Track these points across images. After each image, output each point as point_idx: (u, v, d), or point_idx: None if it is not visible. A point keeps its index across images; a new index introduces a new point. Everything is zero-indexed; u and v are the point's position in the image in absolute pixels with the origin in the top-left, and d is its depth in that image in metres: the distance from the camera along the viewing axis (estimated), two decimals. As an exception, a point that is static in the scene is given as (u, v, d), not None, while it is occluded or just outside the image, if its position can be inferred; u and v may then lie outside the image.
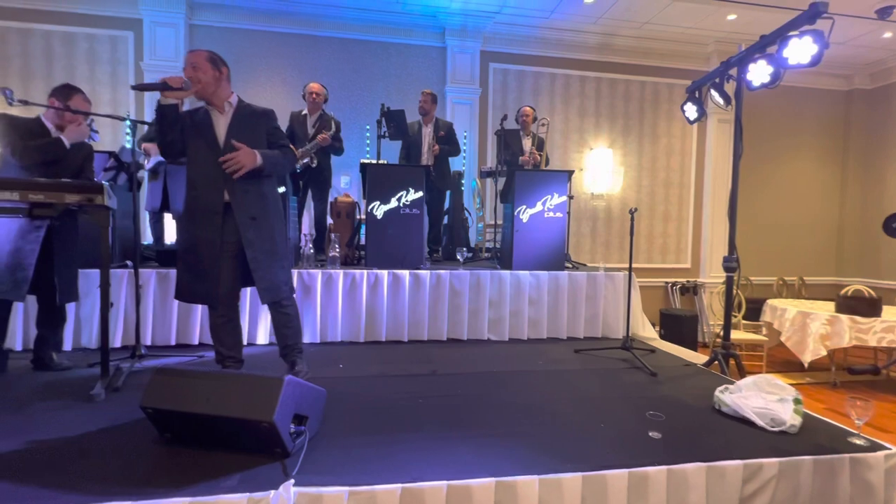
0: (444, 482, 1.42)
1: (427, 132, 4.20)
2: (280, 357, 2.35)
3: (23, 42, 4.59)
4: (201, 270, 2.10)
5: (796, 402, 1.94)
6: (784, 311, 4.25)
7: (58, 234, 2.33)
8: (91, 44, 4.70)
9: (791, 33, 2.32)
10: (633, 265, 3.22)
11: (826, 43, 2.20)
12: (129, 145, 3.97)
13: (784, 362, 4.83)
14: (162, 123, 2.01)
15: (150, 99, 4.70)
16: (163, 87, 1.93)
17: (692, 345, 4.71)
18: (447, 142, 4.22)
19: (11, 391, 2.18)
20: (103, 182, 2.13)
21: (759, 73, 2.57)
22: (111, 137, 4.60)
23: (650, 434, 1.82)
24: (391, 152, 4.46)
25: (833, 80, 6.14)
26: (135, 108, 4.75)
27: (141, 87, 2.01)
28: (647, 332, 3.77)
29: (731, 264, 2.81)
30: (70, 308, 2.84)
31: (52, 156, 2.27)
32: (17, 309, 2.78)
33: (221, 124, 2.12)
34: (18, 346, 2.80)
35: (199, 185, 2.09)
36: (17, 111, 2.48)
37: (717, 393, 2.13)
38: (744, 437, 1.82)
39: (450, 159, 4.43)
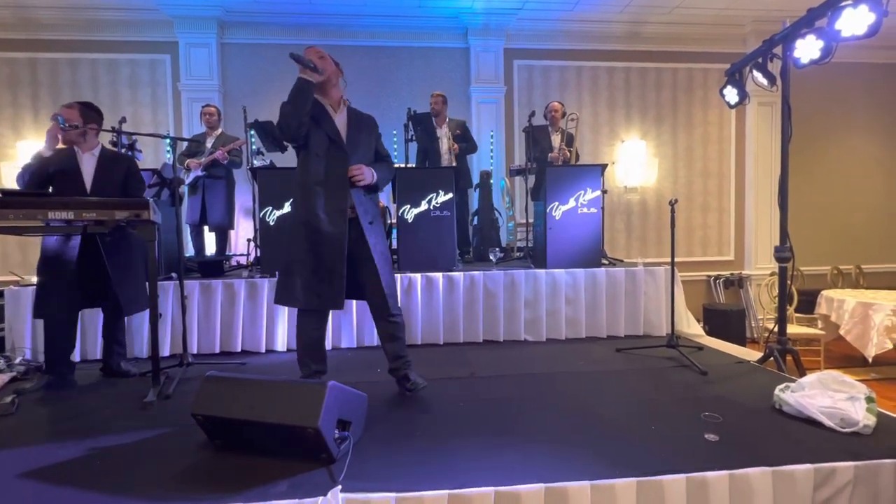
0: (492, 488, 1.38)
1: (443, 133, 4.18)
2: (389, 373, 2.24)
3: (72, 71, 4.89)
4: (327, 271, 1.98)
5: (869, 400, 1.79)
6: (842, 303, 3.97)
7: (109, 249, 2.41)
8: (132, 69, 4.96)
9: (844, 3, 2.16)
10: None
11: (885, 10, 2.03)
12: (170, 162, 4.15)
13: (844, 357, 4.51)
14: (299, 98, 1.92)
15: (188, 118, 4.91)
16: (308, 63, 1.92)
17: (740, 341, 4.47)
18: (463, 139, 4.21)
19: (72, 399, 2.30)
20: (149, 198, 2.22)
21: (807, 48, 2.40)
22: (153, 156, 4.82)
23: (706, 437, 1.72)
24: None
25: (885, 53, 5.71)
26: (174, 127, 4.97)
27: (295, 57, 1.92)
28: (693, 328, 3.60)
29: (784, 254, 2.64)
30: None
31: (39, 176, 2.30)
32: (76, 323, 2.93)
33: (341, 122, 2.07)
34: (77, 357, 2.94)
35: (325, 181, 2.00)
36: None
37: (777, 392, 2.00)
38: (811, 440, 1.69)
39: (473, 157, 4.41)
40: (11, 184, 4.68)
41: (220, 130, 4.12)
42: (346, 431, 1.59)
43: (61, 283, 2.34)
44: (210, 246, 4.25)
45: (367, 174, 2.05)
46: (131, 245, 2.53)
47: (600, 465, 1.52)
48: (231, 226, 4.17)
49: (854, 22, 2.14)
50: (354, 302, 3.18)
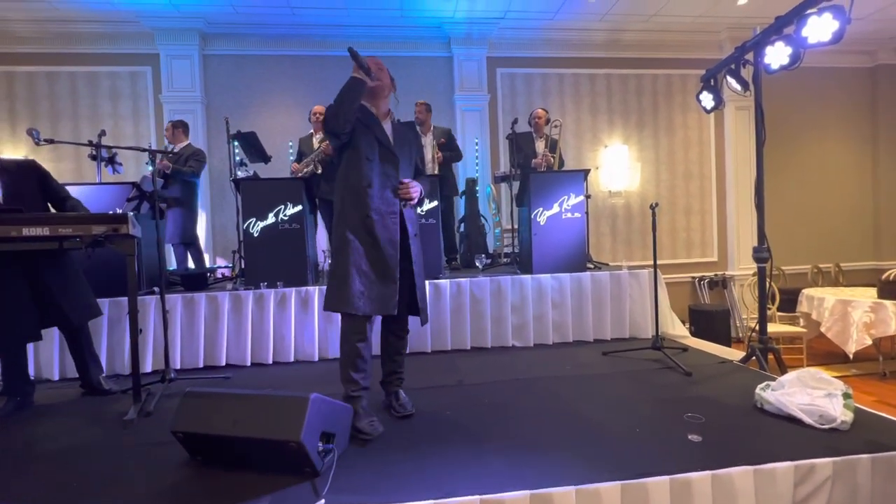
0: (478, 496, 1.38)
1: (428, 141, 4.21)
2: (381, 384, 2.20)
3: (50, 84, 4.82)
4: (383, 274, 1.92)
5: (846, 396, 1.83)
6: (822, 301, 4.05)
7: (45, 264, 2.30)
8: (113, 81, 4.91)
9: (809, 11, 2.24)
10: (658, 261, 3.13)
11: (848, 18, 2.11)
12: (149, 175, 4.11)
13: (826, 354, 4.60)
14: (349, 94, 1.87)
15: (170, 129, 4.87)
16: (363, 63, 1.89)
17: (725, 341, 4.53)
18: (448, 148, 4.24)
19: (49, 419, 2.23)
20: (128, 212, 2.19)
21: (776, 55, 2.47)
22: (134, 170, 4.77)
23: (689, 437, 1.74)
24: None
25: (855, 58, 5.91)
26: (156, 140, 4.92)
27: (352, 54, 1.88)
28: (678, 329, 3.64)
29: (761, 254, 2.69)
30: (102, 335, 2.92)
31: None
32: (54, 340, 2.87)
33: (387, 129, 2.07)
34: (55, 377, 2.88)
35: (376, 184, 1.96)
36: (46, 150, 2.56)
37: (758, 390, 2.03)
38: (791, 437, 1.72)
39: (459, 165, 4.43)
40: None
41: (185, 143, 4.05)
42: (330, 444, 1.58)
43: (12, 303, 2.23)
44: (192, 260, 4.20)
45: (416, 190, 2.03)
46: (66, 255, 2.40)
47: (585, 469, 1.53)
48: (187, 240, 4.00)
49: (819, 29, 2.22)
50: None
